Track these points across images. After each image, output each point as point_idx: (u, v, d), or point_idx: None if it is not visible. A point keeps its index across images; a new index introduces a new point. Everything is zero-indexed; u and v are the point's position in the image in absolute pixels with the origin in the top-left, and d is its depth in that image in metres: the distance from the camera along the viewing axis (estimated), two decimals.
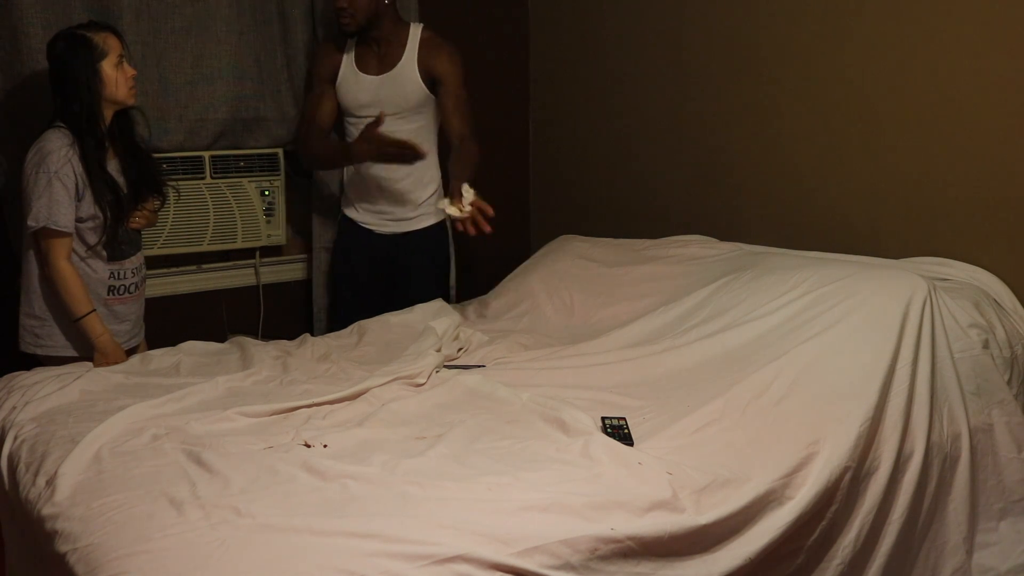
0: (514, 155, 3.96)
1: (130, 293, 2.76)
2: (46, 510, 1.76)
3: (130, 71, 2.63)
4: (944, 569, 2.12)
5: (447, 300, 3.20)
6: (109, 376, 2.40)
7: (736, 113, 3.13)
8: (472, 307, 3.10)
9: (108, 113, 2.63)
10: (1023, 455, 2.23)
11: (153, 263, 3.27)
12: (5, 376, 2.44)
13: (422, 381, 2.35)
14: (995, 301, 2.45)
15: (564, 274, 3.05)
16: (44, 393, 2.26)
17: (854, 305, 2.27)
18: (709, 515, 1.75)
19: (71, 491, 1.78)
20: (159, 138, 3.14)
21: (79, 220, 2.58)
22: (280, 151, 3.40)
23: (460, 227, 2.69)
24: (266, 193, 3.38)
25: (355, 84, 3.14)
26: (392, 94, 3.10)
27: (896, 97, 2.67)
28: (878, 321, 2.21)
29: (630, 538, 1.66)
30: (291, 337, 2.84)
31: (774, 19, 2.97)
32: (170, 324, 3.16)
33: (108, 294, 2.70)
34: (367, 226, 3.25)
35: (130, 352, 2.74)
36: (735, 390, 2.13)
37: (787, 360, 2.18)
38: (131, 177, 2.70)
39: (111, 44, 2.58)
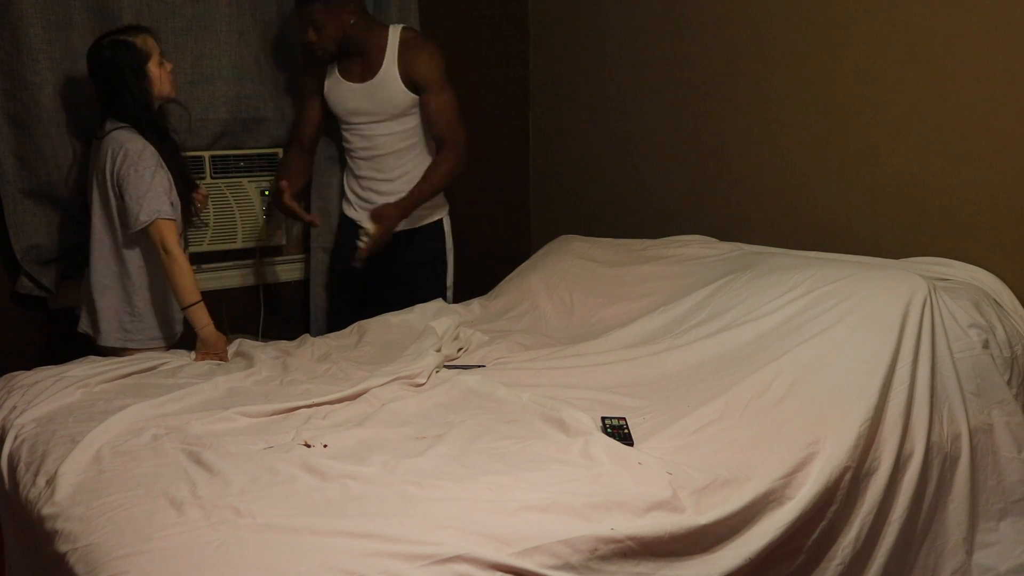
0: (514, 155, 3.96)
1: None
2: (46, 510, 1.76)
3: (168, 65, 2.75)
4: (944, 569, 2.12)
5: (443, 299, 3.21)
6: (108, 375, 2.40)
7: (736, 113, 3.13)
8: (472, 307, 3.10)
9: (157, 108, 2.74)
10: (1023, 455, 2.23)
11: None
12: (5, 376, 2.44)
13: (422, 381, 2.35)
14: (995, 301, 2.45)
15: (564, 274, 3.05)
16: (44, 393, 2.26)
17: (854, 305, 2.27)
18: (709, 515, 1.75)
19: (71, 491, 1.78)
20: None
21: (171, 207, 2.68)
22: (280, 151, 3.40)
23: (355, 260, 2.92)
24: (266, 193, 3.38)
25: (340, 92, 3.16)
26: (376, 102, 3.10)
27: (896, 97, 2.67)
28: (878, 321, 2.21)
29: (630, 538, 1.66)
30: (291, 337, 2.84)
31: (774, 18, 2.97)
32: None
33: None
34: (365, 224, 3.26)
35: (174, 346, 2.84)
36: (735, 390, 2.13)
37: (787, 360, 2.18)
38: (176, 169, 2.78)
39: (151, 45, 2.70)
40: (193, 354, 2.64)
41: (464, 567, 1.53)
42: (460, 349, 2.66)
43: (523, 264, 3.26)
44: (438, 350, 2.55)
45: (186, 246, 2.85)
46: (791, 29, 2.92)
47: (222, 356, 2.63)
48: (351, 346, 2.74)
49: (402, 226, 3.21)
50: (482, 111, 3.32)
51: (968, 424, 2.17)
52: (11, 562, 2.11)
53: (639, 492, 1.75)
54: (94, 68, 2.68)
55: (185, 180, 2.80)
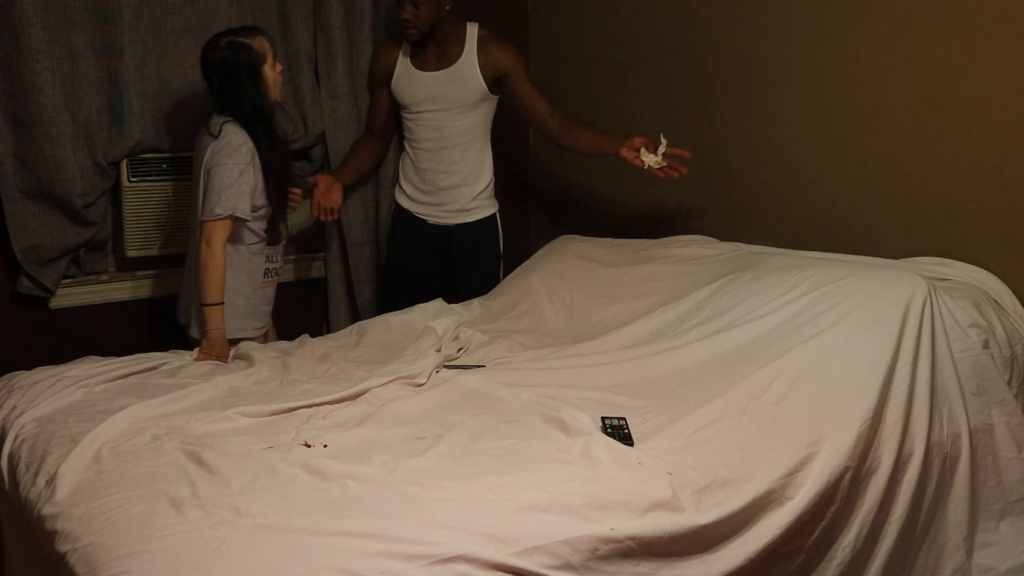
0: (514, 155, 3.96)
1: (276, 276, 2.93)
2: (46, 510, 1.76)
3: (279, 67, 2.78)
4: (944, 569, 2.12)
5: None
6: (108, 375, 2.40)
7: (737, 113, 3.13)
8: (472, 307, 3.09)
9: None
10: (1023, 455, 2.23)
11: (153, 264, 3.27)
12: (5, 376, 2.44)
13: (422, 381, 2.35)
14: (995, 301, 2.45)
15: (564, 274, 3.05)
16: (44, 393, 2.26)
17: (854, 305, 2.27)
18: (709, 515, 1.75)
19: (71, 491, 1.78)
20: (159, 138, 3.14)
21: (253, 209, 2.71)
22: None
23: (662, 174, 2.93)
24: None
25: (412, 81, 3.23)
26: (451, 90, 3.19)
27: (896, 97, 2.67)
28: (878, 321, 2.21)
29: (630, 538, 1.66)
30: (291, 337, 2.84)
31: (774, 18, 2.97)
32: (172, 324, 3.15)
33: (264, 276, 2.85)
34: (421, 216, 3.34)
35: (266, 336, 2.91)
36: (735, 390, 2.13)
37: (787, 360, 2.18)
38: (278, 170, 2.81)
39: (266, 47, 2.74)
40: (194, 352, 2.64)
41: (464, 567, 1.53)
42: (460, 349, 2.66)
43: (523, 264, 3.26)
44: (438, 350, 2.54)
45: (277, 240, 2.86)
46: (792, 29, 2.92)
47: (222, 360, 2.63)
48: (351, 346, 2.74)
49: (458, 220, 3.31)
50: None
51: (968, 424, 2.17)
52: (11, 562, 2.11)
53: (639, 492, 1.75)
54: (210, 67, 2.71)
55: (286, 180, 2.83)
